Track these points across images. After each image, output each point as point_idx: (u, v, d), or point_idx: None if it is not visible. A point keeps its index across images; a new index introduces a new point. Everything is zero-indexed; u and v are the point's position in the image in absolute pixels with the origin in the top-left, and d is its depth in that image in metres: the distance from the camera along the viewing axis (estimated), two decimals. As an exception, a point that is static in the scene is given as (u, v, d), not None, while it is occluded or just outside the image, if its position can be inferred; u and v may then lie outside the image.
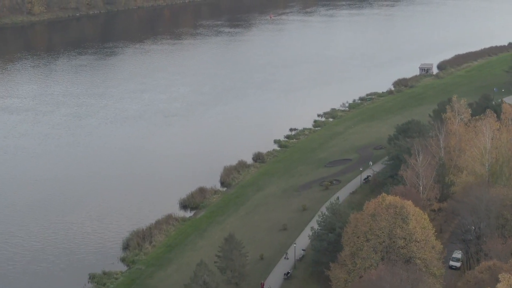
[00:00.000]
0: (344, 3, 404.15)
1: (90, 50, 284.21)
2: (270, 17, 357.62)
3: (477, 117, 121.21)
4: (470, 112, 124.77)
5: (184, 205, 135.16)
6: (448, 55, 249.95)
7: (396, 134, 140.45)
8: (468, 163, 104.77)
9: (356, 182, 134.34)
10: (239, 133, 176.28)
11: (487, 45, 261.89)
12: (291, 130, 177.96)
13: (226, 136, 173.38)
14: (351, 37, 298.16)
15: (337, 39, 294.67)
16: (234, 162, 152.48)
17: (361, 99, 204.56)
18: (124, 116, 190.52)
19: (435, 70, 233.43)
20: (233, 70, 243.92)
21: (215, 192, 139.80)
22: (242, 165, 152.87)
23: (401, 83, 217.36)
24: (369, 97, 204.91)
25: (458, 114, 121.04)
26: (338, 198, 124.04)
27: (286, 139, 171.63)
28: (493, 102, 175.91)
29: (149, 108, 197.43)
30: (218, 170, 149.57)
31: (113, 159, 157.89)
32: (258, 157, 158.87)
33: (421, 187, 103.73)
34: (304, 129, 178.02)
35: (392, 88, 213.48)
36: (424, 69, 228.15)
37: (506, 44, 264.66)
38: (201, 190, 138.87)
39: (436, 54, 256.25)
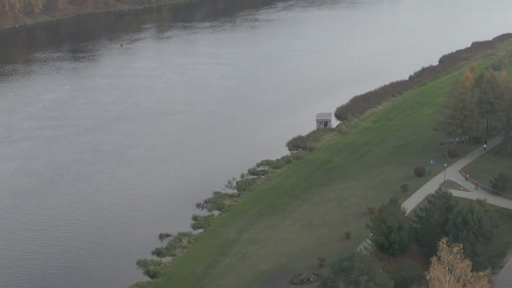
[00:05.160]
0: (205, 24, 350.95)
1: None
2: (121, 45, 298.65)
3: (481, 273, 72.75)
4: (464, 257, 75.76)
5: None
6: (343, 96, 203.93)
7: (332, 277, 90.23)
8: None
9: None
10: (66, 267, 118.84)
11: (386, 80, 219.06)
12: (161, 237, 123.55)
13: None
14: (220, 72, 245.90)
15: (203, 75, 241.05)
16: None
17: (252, 172, 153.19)
18: None
19: (333, 120, 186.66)
20: (74, 128, 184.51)
21: None
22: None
23: (297, 144, 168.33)
24: (261, 170, 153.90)
25: (449, 270, 72.16)
26: None
27: (157, 258, 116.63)
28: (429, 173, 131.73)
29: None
30: None
31: None
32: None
33: None
34: (180, 234, 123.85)
35: (289, 154, 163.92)
36: (322, 121, 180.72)
37: (407, 78, 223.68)
38: None
39: (327, 95, 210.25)
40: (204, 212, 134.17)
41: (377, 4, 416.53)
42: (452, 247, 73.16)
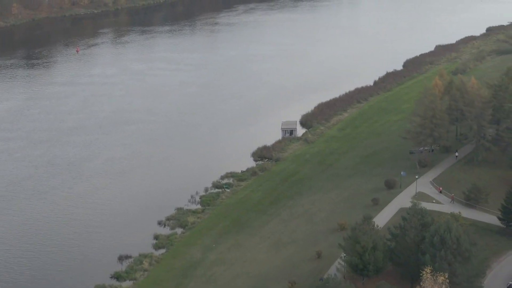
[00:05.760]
0: (164, 28, 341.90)
1: None
2: (77, 50, 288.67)
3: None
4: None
5: None
6: (307, 103, 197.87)
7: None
8: None
9: None
10: None
11: (350, 86, 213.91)
12: (121, 259, 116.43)
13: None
14: (181, 78, 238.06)
15: (163, 82, 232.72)
16: None
17: (216, 186, 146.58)
18: None
19: (299, 129, 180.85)
20: (28, 140, 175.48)
21: None
22: None
23: (263, 155, 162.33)
24: (226, 183, 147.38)
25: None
26: None
27: (116, 282, 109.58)
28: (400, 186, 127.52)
29: None
30: None
31: None
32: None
33: None
34: (141, 256, 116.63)
35: (254, 165, 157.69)
36: (287, 130, 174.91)
37: (371, 83, 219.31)
38: None
39: (292, 102, 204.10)
40: (166, 230, 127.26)
41: (337, 7, 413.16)
42: (436, 277, 67.92)
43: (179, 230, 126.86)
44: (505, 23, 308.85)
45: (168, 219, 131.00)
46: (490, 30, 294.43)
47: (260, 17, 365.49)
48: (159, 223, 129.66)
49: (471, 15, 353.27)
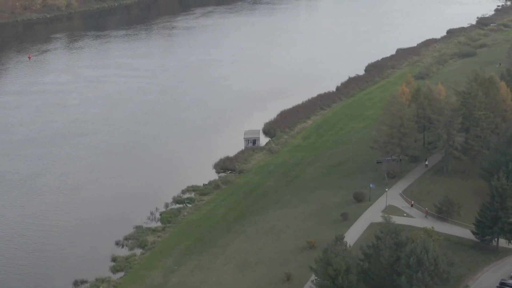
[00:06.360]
0: (119, 33, 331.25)
1: None
2: (29, 57, 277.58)
3: None
4: None
5: None
6: (270, 111, 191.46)
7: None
8: None
9: None
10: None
11: (313, 92, 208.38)
12: (76, 285, 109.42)
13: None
14: (138, 85, 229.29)
15: (119, 90, 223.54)
16: None
17: (177, 201, 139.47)
18: None
19: (262, 138, 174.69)
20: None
21: None
22: None
23: (225, 166, 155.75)
24: (187, 198, 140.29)
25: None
26: None
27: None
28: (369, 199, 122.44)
29: None
30: None
31: None
32: None
33: None
34: (98, 280, 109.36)
35: (217, 177, 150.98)
36: (250, 139, 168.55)
37: (334, 89, 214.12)
38: None
39: (253, 109, 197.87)
40: (124, 251, 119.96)
41: (295, 10, 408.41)
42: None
43: (138, 251, 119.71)
44: (465, 25, 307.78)
45: (126, 238, 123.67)
46: (450, 32, 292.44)
47: (218, 21, 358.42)
48: (117, 243, 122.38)
49: (430, 17, 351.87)
